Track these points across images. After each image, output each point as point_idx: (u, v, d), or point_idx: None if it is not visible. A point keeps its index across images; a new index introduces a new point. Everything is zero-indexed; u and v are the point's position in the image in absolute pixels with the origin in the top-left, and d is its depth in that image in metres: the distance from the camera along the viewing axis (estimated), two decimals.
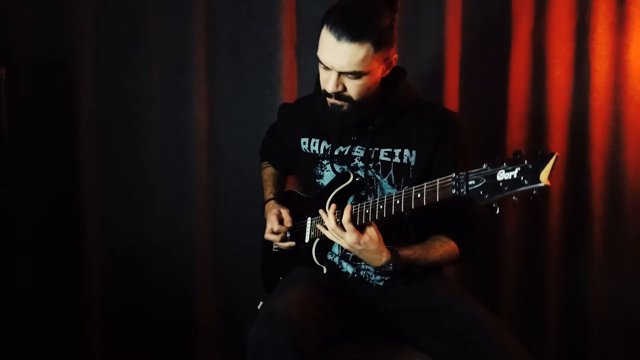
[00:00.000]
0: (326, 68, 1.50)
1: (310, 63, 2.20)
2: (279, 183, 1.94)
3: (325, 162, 1.70)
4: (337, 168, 1.67)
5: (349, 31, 1.43)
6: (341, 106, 1.54)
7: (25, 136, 2.13)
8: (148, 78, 2.19)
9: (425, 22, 2.17)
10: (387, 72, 1.58)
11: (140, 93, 2.20)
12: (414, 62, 2.09)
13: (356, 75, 1.48)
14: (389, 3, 1.51)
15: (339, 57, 1.46)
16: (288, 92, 2.19)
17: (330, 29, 1.45)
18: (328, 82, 1.51)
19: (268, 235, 1.76)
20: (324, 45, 1.48)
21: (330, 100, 1.55)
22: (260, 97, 2.21)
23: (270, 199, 1.85)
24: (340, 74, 1.49)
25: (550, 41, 2.23)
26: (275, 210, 1.76)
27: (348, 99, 1.53)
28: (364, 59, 1.46)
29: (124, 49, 2.17)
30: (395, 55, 1.56)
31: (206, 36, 2.17)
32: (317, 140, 1.72)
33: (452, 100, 2.20)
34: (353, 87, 1.51)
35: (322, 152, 1.70)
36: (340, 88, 1.51)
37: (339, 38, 1.44)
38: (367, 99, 1.55)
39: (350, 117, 1.57)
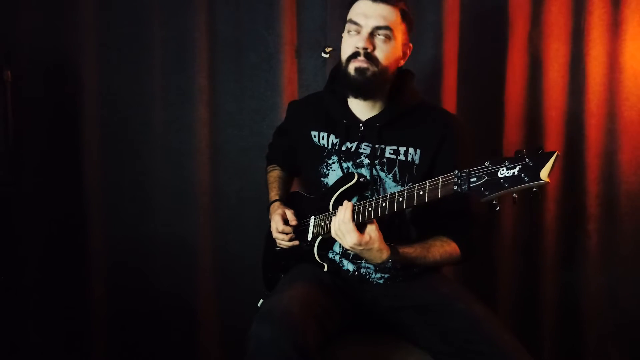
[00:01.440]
0: (357, 31, 1.59)
1: (310, 64, 2.23)
2: (285, 185, 1.96)
3: (330, 160, 1.72)
4: (344, 165, 1.69)
5: None
6: (366, 69, 1.58)
7: (30, 137, 2.14)
8: (150, 80, 2.20)
9: (423, 23, 2.19)
10: (402, 62, 1.66)
11: (142, 94, 2.21)
12: (411, 63, 2.11)
13: (387, 34, 1.58)
14: None
15: (373, 13, 1.57)
16: (289, 93, 2.21)
17: None
18: (359, 40, 1.58)
19: (276, 235, 1.78)
20: (357, 8, 1.60)
21: (356, 64, 1.58)
22: (261, 98, 2.23)
23: (275, 200, 1.88)
24: (371, 33, 1.57)
25: (546, 43, 2.26)
26: (280, 211, 1.79)
27: (375, 60, 1.58)
28: (395, 21, 1.59)
29: (126, 51, 2.19)
30: (411, 45, 1.66)
31: (208, 38, 2.19)
32: (326, 134, 1.74)
33: (449, 101, 2.22)
34: (382, 49, 1.58)
35: (330, 146, 1.73)
36: (370, 46, 1.56)
37: (374, 0, 1.57)
38: (387, 75, 1.61)
39: (371, 85, 1.60)
